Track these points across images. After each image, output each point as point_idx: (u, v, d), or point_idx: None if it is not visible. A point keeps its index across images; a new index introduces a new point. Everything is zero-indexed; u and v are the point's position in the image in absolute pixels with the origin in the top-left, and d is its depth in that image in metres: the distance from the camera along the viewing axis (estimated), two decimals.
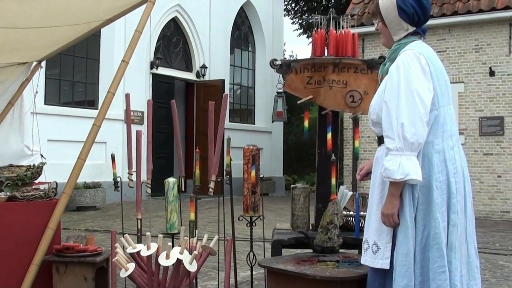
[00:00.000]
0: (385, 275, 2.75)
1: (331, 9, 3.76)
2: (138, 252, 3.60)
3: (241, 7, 16.38)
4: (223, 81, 14.93)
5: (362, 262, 2.89)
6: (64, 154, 9.93)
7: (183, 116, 14.91)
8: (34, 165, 4.75)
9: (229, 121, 14.94)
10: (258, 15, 17.02)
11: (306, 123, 3.66)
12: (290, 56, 26.18)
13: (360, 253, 3.68)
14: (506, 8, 10.95)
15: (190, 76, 14.87)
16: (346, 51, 3.62)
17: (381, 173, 2.72)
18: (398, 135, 2.59)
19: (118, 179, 4.00)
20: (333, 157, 3.50)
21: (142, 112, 12.74)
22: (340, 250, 3.54)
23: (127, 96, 4.33)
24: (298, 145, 21.51)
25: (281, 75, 3.71)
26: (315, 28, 3.71)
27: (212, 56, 15.19)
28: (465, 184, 2.73)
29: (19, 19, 4.28)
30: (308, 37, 27.00)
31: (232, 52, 16.23)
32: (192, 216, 3.74)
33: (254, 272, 5.36)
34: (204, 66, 14.89)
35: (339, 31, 3.68)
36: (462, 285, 2.64)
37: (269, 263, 3.24)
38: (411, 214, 2.64)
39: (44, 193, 4.25)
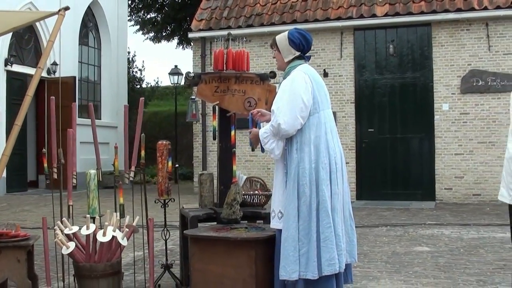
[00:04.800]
0: None
1: (229, 32, 4.73)
2: (74, 233, 4.34)
3: (89, 6, 16.63)
4: (74, 78, 15.16)
5: (271, 226, 3.81)
6: None
7: (34, 113, 14.89)
8: None
9: (78, 117, 15.00)
10: (104, 13, 17.37)
11: (214, 123, 4.58)
12: (128, 52, 26.35)
13: (251, 222, 4.75)
14: (338, 18, 12.40)
15: (42, 73, 14.83)
16: (242, 66, 4.61)
17: (283, 163, 3.76)
18: (275, 122, 3.62)
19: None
20: (234, 149, 4.49)
21: None
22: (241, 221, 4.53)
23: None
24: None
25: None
26: (216, 46, 4.66)
27: (63, 53, 15.29)
28: (342, 165, 3.77)
29: None
30: (143, 34, 27.34)
31: (80, 49, 16.43)
32: (121, 200, 4.52)
33: (157, 248, 6.22)
34: (55, 63, 14.98)
35: (235, 49, 4.67)
36: (343, 237, 3.65)
37: (194, 232, 4.11)
38: (294, 189, 3.61)
39: None
